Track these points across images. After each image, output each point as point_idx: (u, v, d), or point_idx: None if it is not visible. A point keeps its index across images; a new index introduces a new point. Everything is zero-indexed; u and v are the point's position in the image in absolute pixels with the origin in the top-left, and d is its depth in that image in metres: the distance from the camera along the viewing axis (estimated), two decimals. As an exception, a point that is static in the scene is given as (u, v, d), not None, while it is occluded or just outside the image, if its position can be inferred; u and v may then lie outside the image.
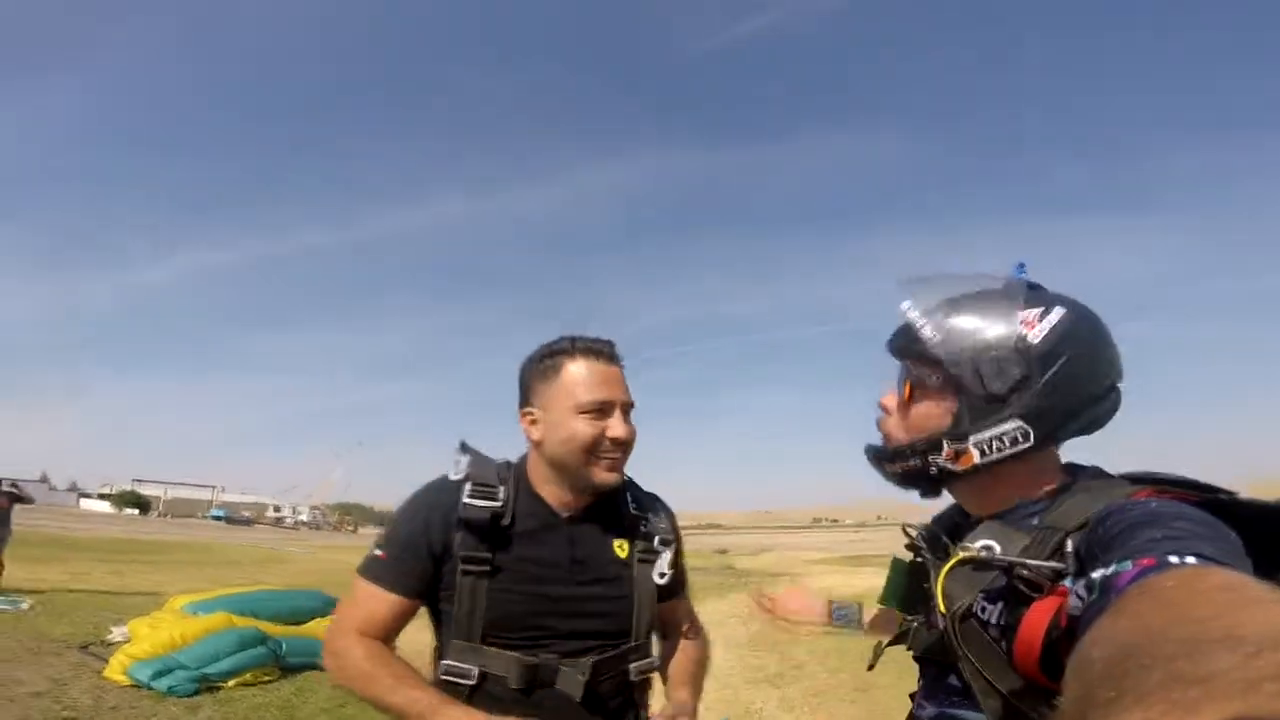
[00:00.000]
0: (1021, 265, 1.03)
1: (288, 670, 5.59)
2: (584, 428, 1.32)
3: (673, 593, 1.50)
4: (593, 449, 1.33)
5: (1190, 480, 0.86)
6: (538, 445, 1.38)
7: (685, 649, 1.54)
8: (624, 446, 1.36)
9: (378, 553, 1.35)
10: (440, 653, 1.34)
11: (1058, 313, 0.94)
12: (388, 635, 1.33)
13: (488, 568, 1.30)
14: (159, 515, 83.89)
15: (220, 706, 4.61)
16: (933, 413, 0.99)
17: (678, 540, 1.51)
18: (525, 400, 1.41)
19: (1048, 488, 0.94)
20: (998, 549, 0.88)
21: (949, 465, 0.97)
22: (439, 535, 1.31)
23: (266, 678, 5.33)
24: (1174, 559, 0.61)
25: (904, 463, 1.02)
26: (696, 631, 1.59)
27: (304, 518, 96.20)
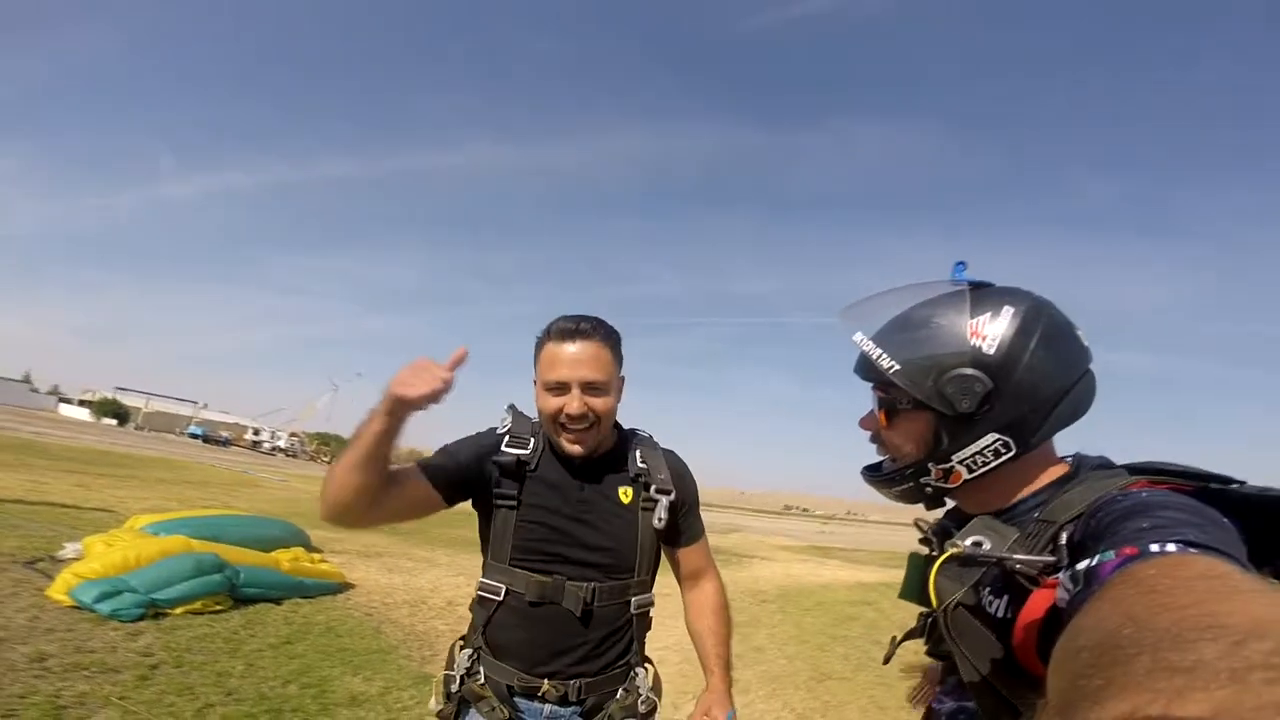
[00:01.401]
0: (961, 264, 1.01)
1: (240, 601, 5.45)
2: (547, 402, 1.61)
3: (679, 538, 1.79)
4: (555, 421, 1.60)
5: (1191, 469, 0.86)
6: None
7: (705, 603, 1.81)
8: (581, 420, 1.58)
9: (440, 451, 1.67)
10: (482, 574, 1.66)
11: (1007, 314, 0.93)
12: (404, 498, 1.55)
13: (514, 503, 1.63)
14: (136, 427, 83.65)
15: (162, 635, 4.44)
16: (911, 435, 1.00)
17: (684, 491, 1.75)
18: (535, 371, 1.67)
19: (1048, 480, 0.95)
20: (987, 545, 0.89)
21: (940, 484, 0.99)
22: (477, 468, 1.64)
23: (217, 606, 5.17)
24: (1155, 547, 0.62)
25: (899, 486, 1.03)
26: (712, 580, 1.84)
27: (281, 444, 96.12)
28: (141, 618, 4.63)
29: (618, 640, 1.67)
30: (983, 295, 0.97)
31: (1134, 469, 0.90)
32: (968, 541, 0.91)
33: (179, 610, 4.87)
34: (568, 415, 1.57)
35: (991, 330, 0.93)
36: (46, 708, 3.19)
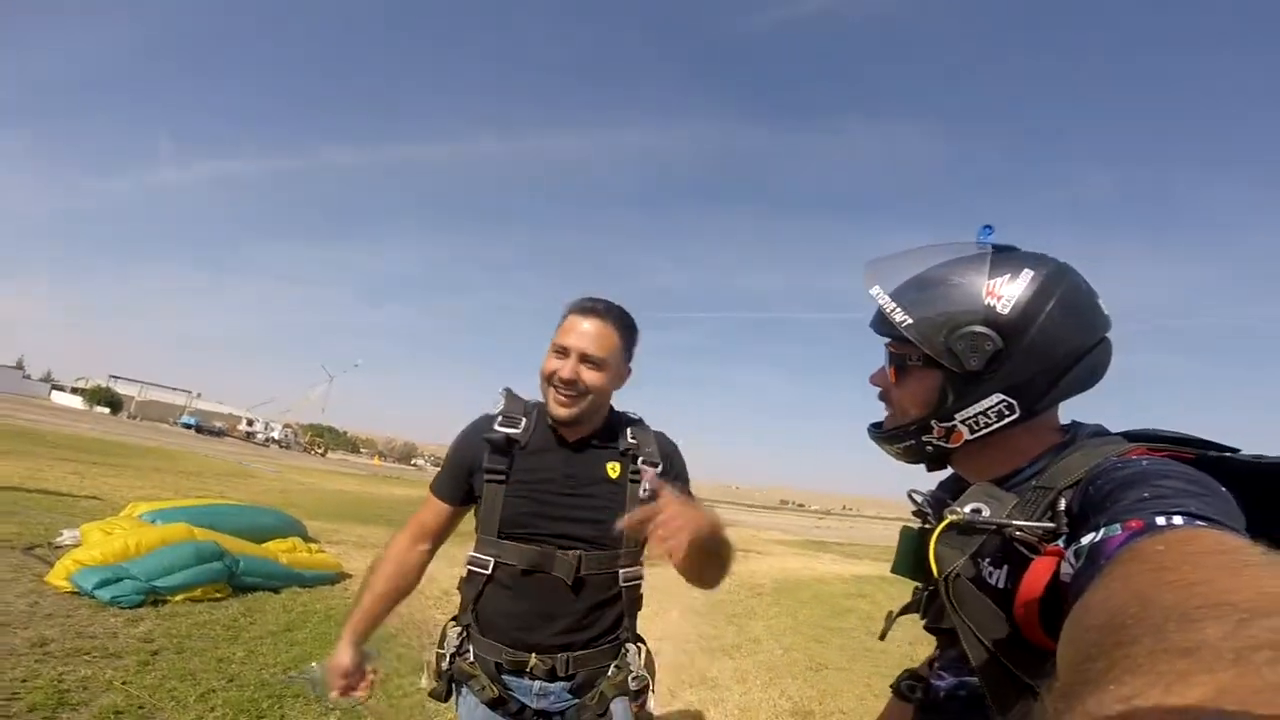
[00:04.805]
0: (988, 227, 1.01)
1: (239, 589, 5.46)
2: (547, 363, 1.68)
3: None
4: (548, 380, 1.67)
5: (1188, 437, 0.85)
6: None
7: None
8: (570, 386, 1.64)
9: (439, 470, 1.81)
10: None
11: (1025, 277, 0.92)
12: (439, 534, 1.81)
13: (503, 478, 1.69)
14: (129, 416, 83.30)
15: (162, 621, 4.45)
16: (918, 392, 1.00)
17: (671, 467, 1.78)
18: None
19: (1045, 448, 0.94)
20: (986, 511, 0.88)
21: (942, 443, 0.98)
22: (472, 453, 1.73)
23: (217, 594, 5.18)
24: (1160, 520, 0.60)
25: (901, 443, 1.03)
26: None
27: (275, 435, 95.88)
28: (141, 604, 4.64)
29: (606, 611, 1.69)
30: (1004, 258, 0.96)
31: (1131, 436, 0.90)
32: (967, 509, 0.90)
33: (179, 598, 4.88)
34: (560, 379, 1.64)
35: (1009, 291, 0.92)
36: (49, 691, 3.20)
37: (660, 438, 1.82)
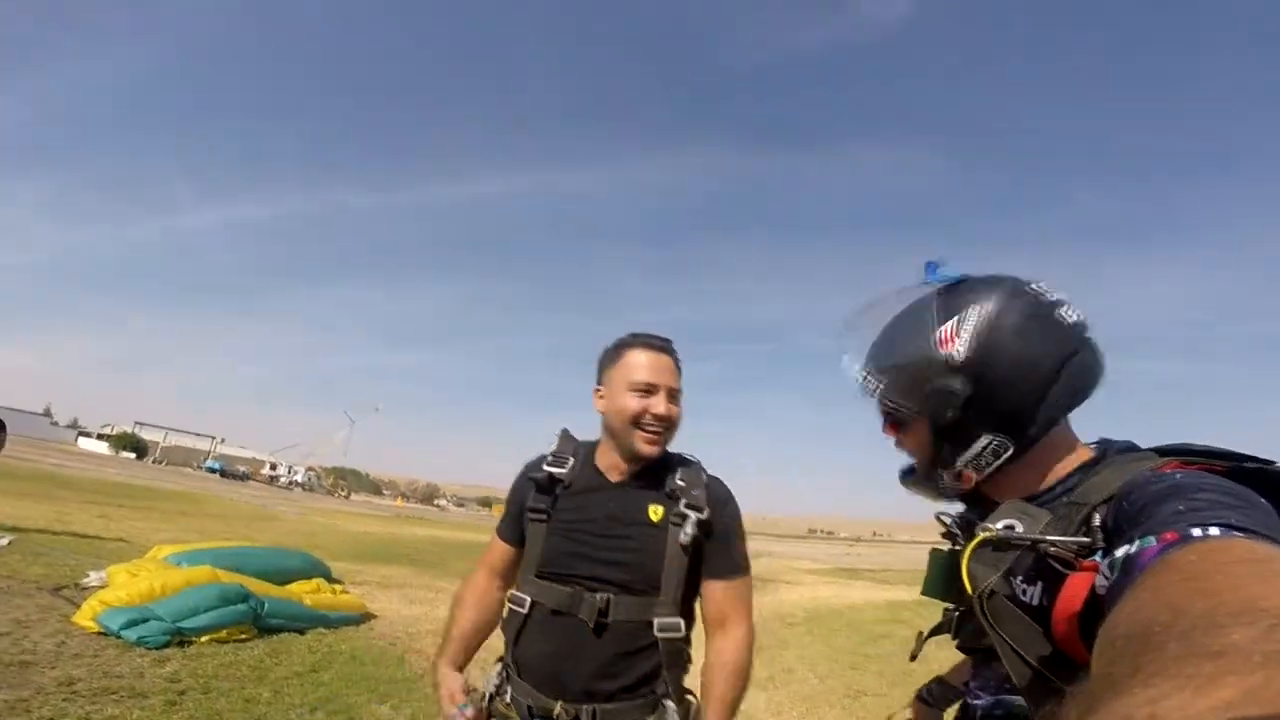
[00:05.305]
0: (931, 264, 1.00)
1: (265, 630, 5.41)
2: (632, 402, 1.62)
3: (706, 567, 1.64)
4: (637, 421, 1.62)
5: (1221, 450, 0.83)
6: (602, 417, 1.70)
7: (719, 658, 1.61)
8: (664, 422, 1.63)
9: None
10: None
11: (974, 313, 0.92)
12: (507, 574, 1.81)
13: (545, 517, 1.67)
14: (154, 461, 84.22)
15: (189, 661, 4.41)
16: (918, 443, 1.01)
17: (718, 516, 1.63)
18: (598, 381, 1.72)
19: (1075, 465, 0.93)
20: (1019, 527, 0.87)
21: (956, 486, 0.99)
22: (520, 494, 1.75)
23: (242, 635, 5.15)
24: (1197, 531, 0.60)
25: (926, 488, 1.04)
26: (737, 629, 1.63)
27: (299, 478, 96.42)
28: (167, 645, 4.61)
29: (638, 662, 1.55)
30: (951, 298, 0.96)
31: (1163, 451, 0.89)
32: (999, 525, 0.89)
33: (204, 639, 4.85)
34: (654, 415, 1.61)
35: (961, 334, 0.92)
36: (77, 732, 3.14)
37: (713, 483, 1.68)
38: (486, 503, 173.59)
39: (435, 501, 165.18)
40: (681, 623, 1.59)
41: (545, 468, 1.69)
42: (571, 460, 1.71)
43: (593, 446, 1.74)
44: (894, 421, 1.04)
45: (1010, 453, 0.92)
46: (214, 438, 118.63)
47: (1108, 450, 0.94)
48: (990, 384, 0.91)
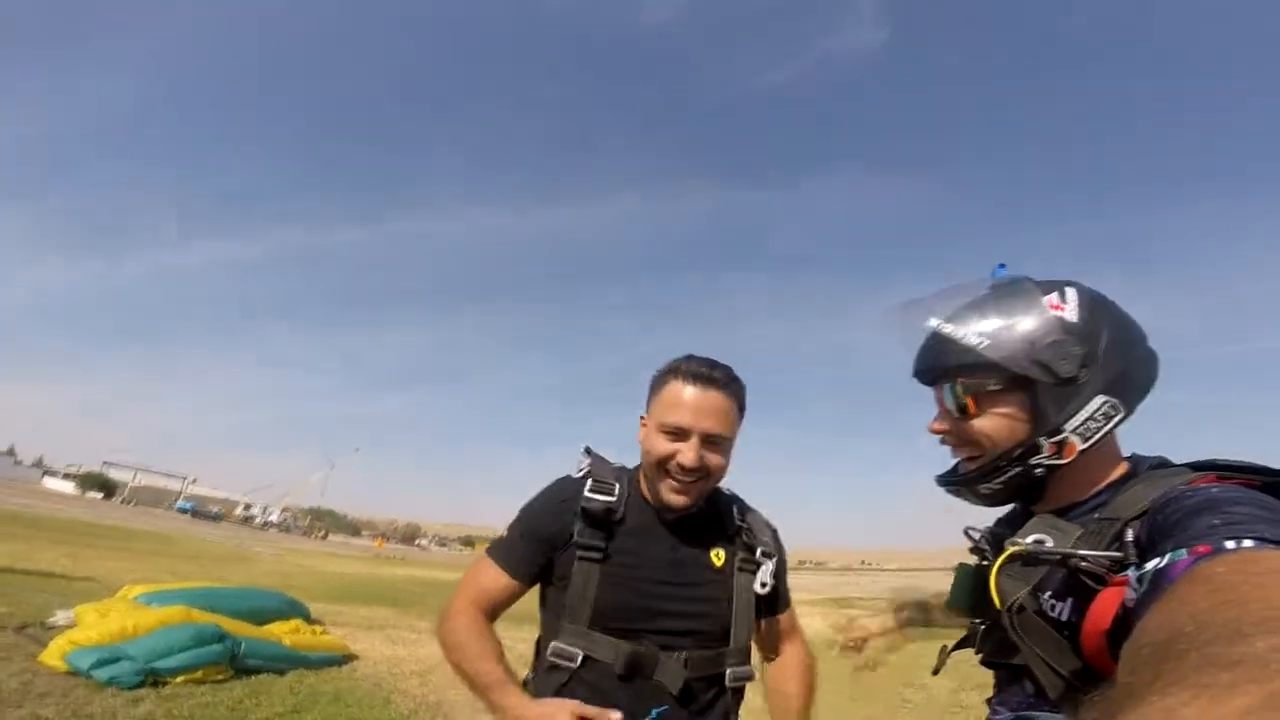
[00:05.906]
0: (1002, 265, 1.03)
1: (242, 671, 5.15)
2: (660, 445, 1.41)
3: (774, 607, 1.58)
4: (662, 466, 1.41)
5: (1256, 465, 0.83)
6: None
7: (794, 661, 1.60)
8: (693, 473, 1.39)
9: (504, 535, 1.50)
10: (546, 638, 1.42)
11: (1072, 290, 0.95)
12: (495, 611, 1.47)
13: (601, 556, 1.40)
14: (123, 501, 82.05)
15: (164, 702, 4.18)
16: (1007, 417, 0.96)
17: (780, 557, 1.56)
18: (647, 406, 1.49)
19: (1107, 481, 0.94)
20: (1049, 542, 0.86)
21: (1054, 460, 0.93)
22: (560, 525, 1.43)
23: (219, 676, 4.90)
24: (1230, 544, 0.60)
25: (1003, 475, 0.97)
26: (802, 638, 1.65)
27: (274, 518, 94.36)
28: (140, 685, 4.39)
29: (709, 717, 1.41)
30: (1040, 280, 0.98)
31: (1196, 466, 0.89)
32: (1029, 540, 0.89)
33: (179, 679, 4.62)
34: (679, 464, 1.39)
35: (1067, 302, 0.94)
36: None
37: (762, 521, 1.59)
38: (469, 542, 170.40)
39: (416, 541, 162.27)
40: (754, 670, 1.50)
41: (590, 494, 1.43)
42: (616, 487, 1.46)
43: (635, 474, 1.53)
44: (975, 394, 0.98)
45: (1119, 417, 0.92)
46: (185, 478, 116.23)
47: (1139, 465, 0.94)
48: (1104, 345, 0.92)
